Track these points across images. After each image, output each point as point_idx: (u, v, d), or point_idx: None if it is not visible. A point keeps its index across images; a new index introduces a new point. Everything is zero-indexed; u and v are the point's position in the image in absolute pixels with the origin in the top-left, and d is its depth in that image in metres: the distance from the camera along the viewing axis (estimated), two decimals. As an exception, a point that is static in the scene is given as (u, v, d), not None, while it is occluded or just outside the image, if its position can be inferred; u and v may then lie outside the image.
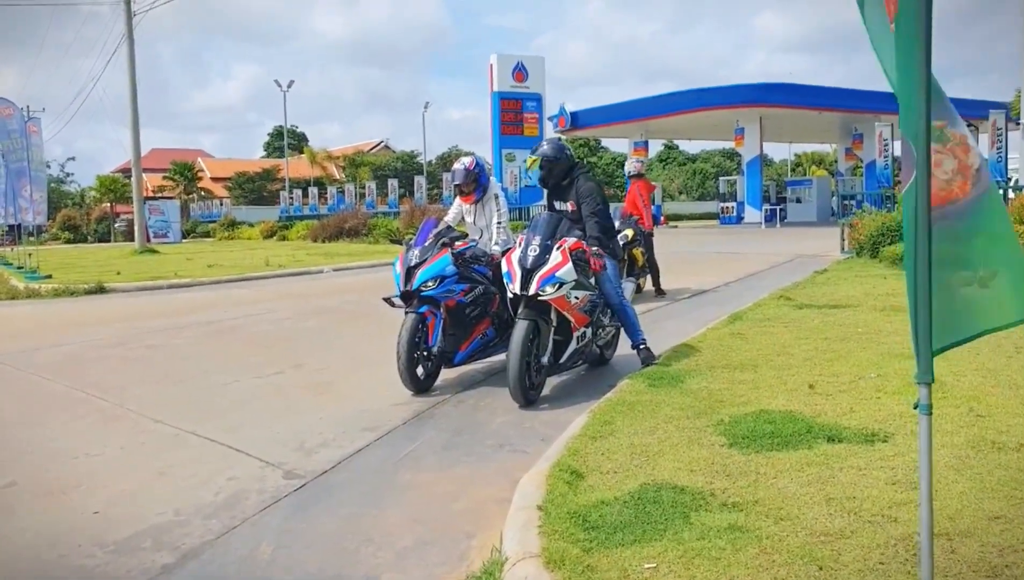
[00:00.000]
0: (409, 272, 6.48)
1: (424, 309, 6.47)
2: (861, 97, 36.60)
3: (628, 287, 7.42)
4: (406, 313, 6.47)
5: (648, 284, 12.25)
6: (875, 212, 18.38)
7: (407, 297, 6.51)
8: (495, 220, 7.30)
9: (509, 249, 6.51)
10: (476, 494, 4.27)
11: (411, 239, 6.86)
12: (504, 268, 6.22)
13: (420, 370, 6.44)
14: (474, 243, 7.11)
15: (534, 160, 6.93)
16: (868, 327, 7.85)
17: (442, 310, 6.52)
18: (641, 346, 6.72)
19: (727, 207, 41.71)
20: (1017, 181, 21.32)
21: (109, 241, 50.58)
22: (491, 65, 34.38)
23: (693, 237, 28.73)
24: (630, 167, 12.48)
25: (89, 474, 4.84)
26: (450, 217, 7.51)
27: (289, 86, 57.25)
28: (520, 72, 34.23)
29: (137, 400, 6.63)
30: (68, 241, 52.28)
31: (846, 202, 40.03)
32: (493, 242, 7.18)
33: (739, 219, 39.02)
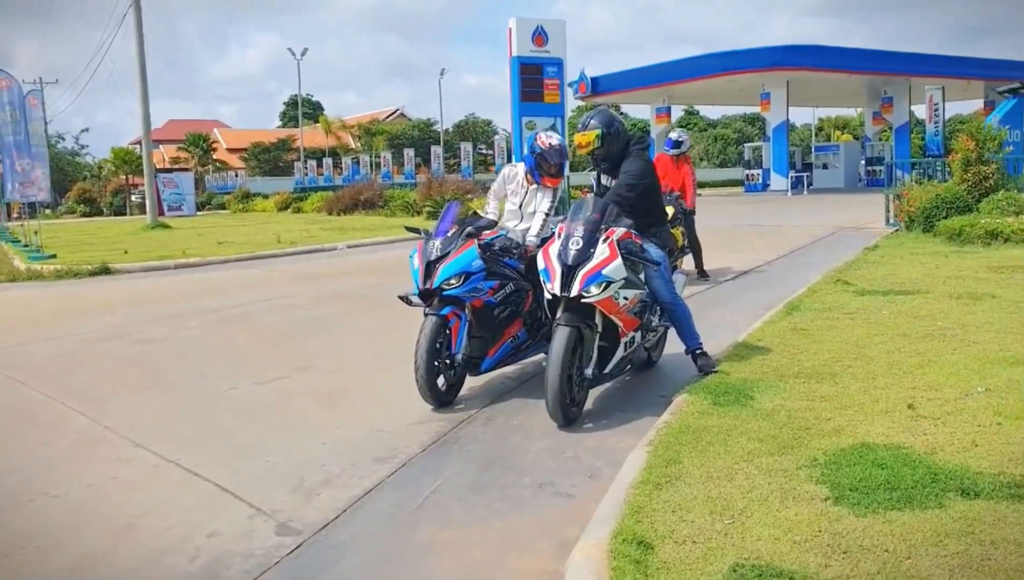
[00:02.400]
0: (429, 267, 5.57)
1: (447, 310, 5.57)
2: (893, 59, 35.25)
3: (679, 280, 6.47)
4: (426, 314, 5.58)
5: (686, 264, 11.31)
6: (920, 180, 17.22)
7: (426, 296, 5.62)
8: (543, 208, 6.32)
9: (547, 239, 5.58)
10: (515, 564, 3.40)
11: (431, 229, 5.92)
12: (541, 264, 5.27)
13: (441, 380, 5.56)
14: (503, 232, 6.19)
15: (592, 135, 5.79)
16: (949, 320, 6.90)
17: (467, 311, 5.63)
18: (698, 352, 5.79)
19: (752, 174, 40.37)
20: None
21: (125, 214, 49.92)
22: (510, 29, 32.76)
23: (721, 207, 27.60)
24: (687, 141, 11.30)
25: (43, 526, 4.00)
26: (491, 207, 6.58)
27: (303, 54, 56.38)
28: (540, 36, 32.61)
29: (121, 415, 5.80)
30: (84, 214, 51.70)
31: (871, 169, 38.83)
32: (531, 233, 6.21)
33: (765, 186, 37.73)
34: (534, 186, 6.31)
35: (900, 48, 32.09)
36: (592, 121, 5.84)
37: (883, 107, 40.49)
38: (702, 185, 48.68)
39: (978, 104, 43.09)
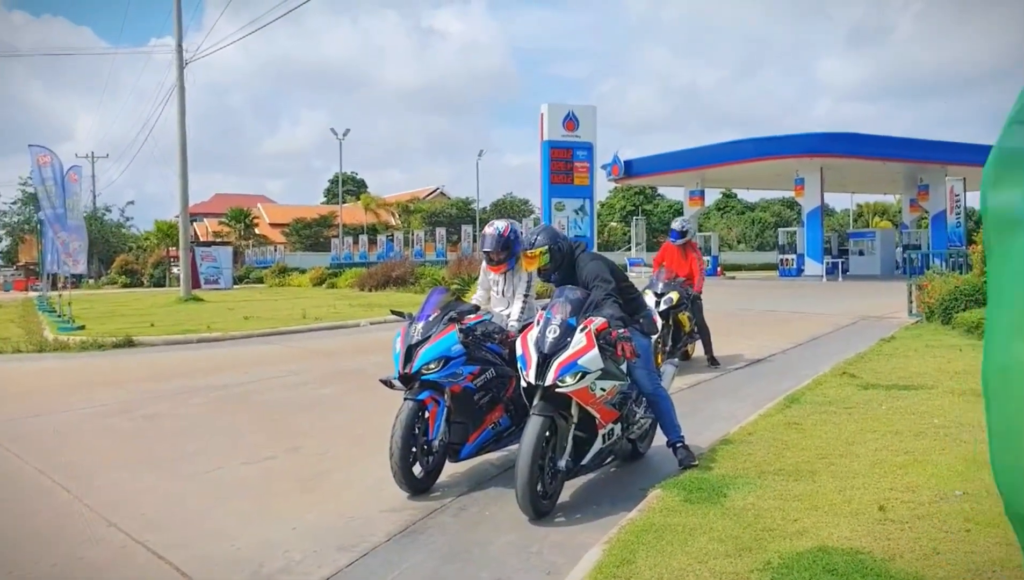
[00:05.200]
0: (410, 351, 5.62)
1: (425, 395, 5.59)
2: (928, 147, 35.25)
3: (668, 371, 6.45)
4: (405, 399, 5.61)
5: (698, 350, 11.26)
6: (945, 271, 17.05)
7: (407, 380, 5.64)
8: (520, 291, 6.41)
9: (527, 326, 5.61)
10: (449, 663, 3.35)
11: (413, 312, 6.00)
12: (519, 350, 5.29)
13: (418, 468, 5.55)
14: (488, 316, 6.23)
15: (540, 252, 5.84)
16: (946, 418, 6.76)
17: (446, 396, 5.64)
18: (678, 445, 5.73)
19: (787, 259, 40.30)
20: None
21: (164, 286, 50.87)
22: (542, 114, 33.69)
23: (751, 291, 27.53)
24: (691, 229, 11.35)
25: (-3, 607, 4.03)
26: (479, 297, 6.67)
27: (344, 135, 57.88)
28: (571, 121, 33.44)
29: (103, 492, 5.86)
30: (125, 285, 52.73)
31: (906, 256, 38.46)
32: (513, 318, 6.28)
33: (799, 271, 37.59)
34: (511, 271, 6.39)
35: (942, 134, 32.28)
36: (539, 238, 5.89)
37: (920, 194, 40.36)
38: (737, 268, 48.90)
39: (1017, 193, 42.71)
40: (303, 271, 46.63)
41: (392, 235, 48.86)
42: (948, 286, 13.80)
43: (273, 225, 75.03)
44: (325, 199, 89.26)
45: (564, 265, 5.93)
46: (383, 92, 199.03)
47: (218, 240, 62.35)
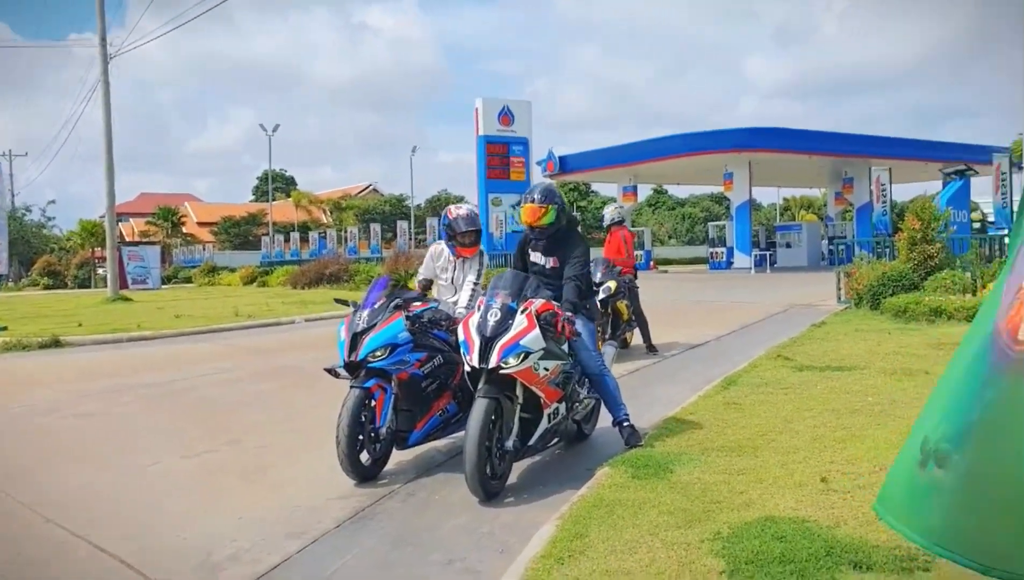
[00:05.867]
0: (355, 339, 5.58)
1: (372, 382, 5.55)
2: (852, 141, 36.18)
3: (608, 352, 6.52)
4: (351, 387, 5.56)
5: (636, 339, 11.40)
6: (871, 259, 17.55)
7: (352, 368, 5.60)
8: (470, 278, 6.39)
9: (468, 313, 5.61)
10: (407, 641, 3.34)
11: (358, 301, 5.96)
12: (461, 336, 5.30)
13: (365, 455, 5.51)
14: (434, 304, 6.22)
15: (549, 209, 5.82)
16: (879, 396, 6.98)
17: (393, 384, 5.61)
18: (624, 423, 5.81)
19: (716, 252, 40.99)
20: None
21: (90, 287, 49.52)
22: (477, 109, 33.77)
23: (683, 283, 27.90)
24: (615, 214, 11.64)
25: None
26: (424, 271, 6.64)
27: (274, 131, 57.03)
28: (506, 116, 33.62)
29: (38, 489, 5.69)
30: (47, 287, 51.16)
31: (832, 247, 39.48)
32: (461, 305, 6.26)
33: (729, 264, 38.26)
34: (460, 259, 6.38)
35: (865, 129, 33.13)
36: (547, 195, 5.89)
37: (844, 188, 41.36)
38: (668, 262, 49.52)
39: (938, 185, 44.12)
40: (233, 270, 45.87)
41: (324, 232, 48.27)
42: (876, 272, 14.21)
43: (201, 224, 73.55)
44: (254, 197, 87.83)
45: (556, 233, 5.94)
46: (313, 88, 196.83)
47: (145, 240, 60.96)
